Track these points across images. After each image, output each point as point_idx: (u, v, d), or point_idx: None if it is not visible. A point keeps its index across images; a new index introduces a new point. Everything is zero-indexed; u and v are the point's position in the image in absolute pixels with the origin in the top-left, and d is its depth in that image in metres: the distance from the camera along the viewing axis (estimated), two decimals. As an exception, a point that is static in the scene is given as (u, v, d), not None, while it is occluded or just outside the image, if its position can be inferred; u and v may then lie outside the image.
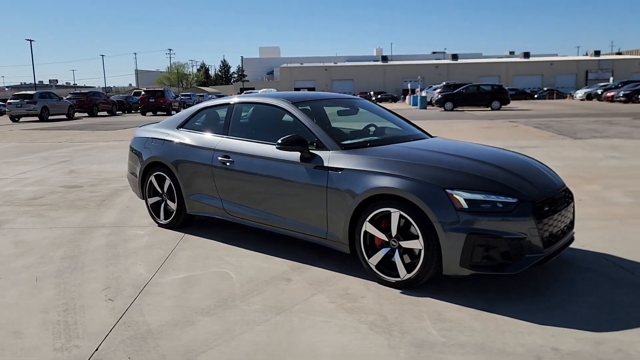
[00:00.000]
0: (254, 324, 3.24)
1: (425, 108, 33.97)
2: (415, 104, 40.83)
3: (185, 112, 5.56)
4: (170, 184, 5.33)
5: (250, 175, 4.60)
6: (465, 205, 3.47)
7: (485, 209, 3.48)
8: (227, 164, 4.75)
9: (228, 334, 3.10)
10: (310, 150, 4.22)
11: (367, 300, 3.58)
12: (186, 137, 5.25)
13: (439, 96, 30.95)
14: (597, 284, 3.78)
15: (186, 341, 3.02)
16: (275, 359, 2.83)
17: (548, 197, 3.73)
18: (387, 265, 3.82)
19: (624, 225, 5.29)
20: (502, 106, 30.70)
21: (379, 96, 70.25)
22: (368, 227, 3.85)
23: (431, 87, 40.37)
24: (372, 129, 5.11)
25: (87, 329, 3.20)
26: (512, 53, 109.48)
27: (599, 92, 39.90)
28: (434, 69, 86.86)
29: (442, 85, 36.21)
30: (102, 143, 15.24)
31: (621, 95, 34.46)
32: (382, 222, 3.81)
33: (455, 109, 30.86)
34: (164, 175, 5.38)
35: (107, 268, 4.31)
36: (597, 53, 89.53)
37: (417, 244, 3.61)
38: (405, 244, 3.69)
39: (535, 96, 56.93)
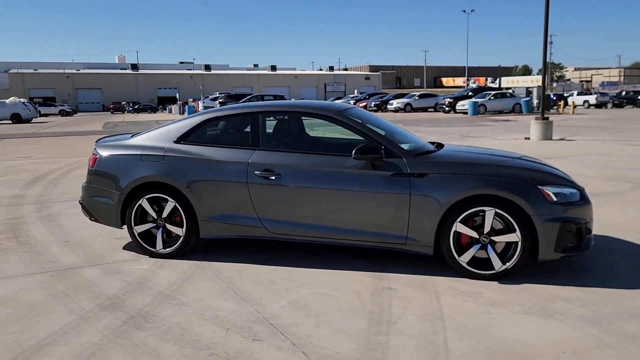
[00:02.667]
0: (441, 332, 3.26)
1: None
2: (190, 114, 40.20)
3: (182, 124, 4.87)
4: (175, 206, 4.65)
5: (307, 189, 4.38)
6: (554, 198, 4.05)
7: (565, 200, 4.11)
8: (273, 177, 4.42)
9: (435, 348, 3.08)
10: (383, 159, 4.28)
11: (489, 294, 3.88)
12: (198, 152, 4.65)
13: (226, 106, 31.28)
14: (620, 255, 4.73)
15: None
16: (512, 357, 2.95)
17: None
18: (475, 260, 4.16)
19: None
20: (285, 115, 32.59)
21: (136, 107, 66.93)
22: (459, 227, 4.13)
23: (207, 97, 40.34)
24: None
25: (294, 373, 2.78)
26: (256, 66, 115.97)
27: (352, 103, 45.41)
28: (189, 79, 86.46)
29: (222, 95, 36.57)
30: None
31: (372, 105, 39.97)
32: (469, 221, 4.14)
33: (241, 118, 31.54)
34: (165, 197, 4.66)
35: (182, 309, 3.64)
36: (332, 68, 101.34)
37: (514, 237, 4.05)
38: (500, 238, 4.08)
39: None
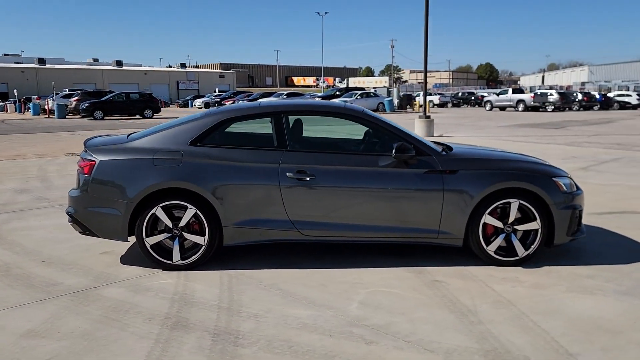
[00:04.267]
0: (524, 316, 3.52)
1: (65, 117, 30.75)
2: (36, 113, 36.17)
3: (195, 125, 4.50)
4: (195, 213, 4.32)
5: (343, 189, 4.37)
6: (565, 188, 4.56)
7: (569, 189, 4.64)
8: (308, 179, 4.33)
9: (535, 331, 3.33)
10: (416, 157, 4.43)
11: (526, 278, 4.24)
12: (221, 154, 4.37)
13: (86, 104, 28.60)
14: (599, 237, 5.43)
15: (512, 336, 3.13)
16: (600, 331, 3.32)
17: None
18: (500, 249, 4.51)
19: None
20: (155, 114, 30.90)
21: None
22: (487, 219, 4.45)
23: (58, 94, 36.44)
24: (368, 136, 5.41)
25: (441, 369, 2.83)
26: (96, 60, 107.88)
27: (217, 101, 44.49)
28: (20, 74, 77.43)
29: (79, 92, 33.39)
30: None
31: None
32: (494, 213, 4.48)
33: (105, 117, 29.17)
34: (184, 204, 4.31)
35: (262, 321, 3.44)
36: (183, 65, 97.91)
37: (534, 225, 4.47)
38: (522, 227, 4.48)
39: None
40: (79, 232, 4.52)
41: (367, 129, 5.13)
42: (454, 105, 51.21)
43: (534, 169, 4.59)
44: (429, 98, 52.61)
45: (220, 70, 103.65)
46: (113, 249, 4.93)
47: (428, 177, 4.41)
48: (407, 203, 4.41)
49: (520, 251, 4.49)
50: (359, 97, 34.71)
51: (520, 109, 37.67)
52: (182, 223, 4.34)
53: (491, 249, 4.48)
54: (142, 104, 30.42)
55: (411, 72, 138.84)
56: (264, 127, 4.86)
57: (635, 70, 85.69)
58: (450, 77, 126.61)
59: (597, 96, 42.32)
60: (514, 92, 40.28)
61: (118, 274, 4.33)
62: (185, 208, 4.32)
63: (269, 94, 39.70)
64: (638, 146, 14.04)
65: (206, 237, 4.36)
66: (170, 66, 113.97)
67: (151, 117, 30.35)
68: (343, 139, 5.31)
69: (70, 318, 3.48)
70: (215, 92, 56.44)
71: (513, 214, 4.45)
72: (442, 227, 4.45)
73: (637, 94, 47.19)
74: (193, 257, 4.38)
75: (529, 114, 34.12)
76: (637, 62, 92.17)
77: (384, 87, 79.08)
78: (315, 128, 5.73)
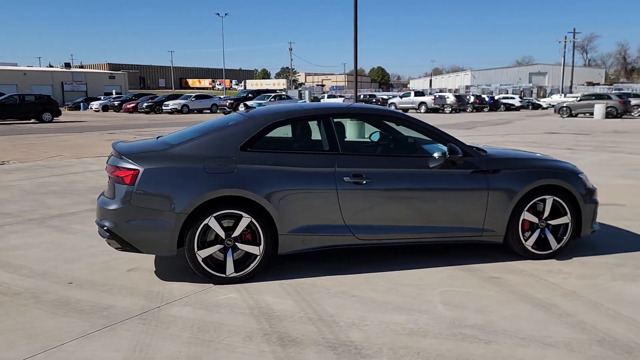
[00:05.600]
0: (600, 306, 3.74)
1: (-54, 122, 27.32)
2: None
3: (242, 129, 4.25)
4: (250, 222, 4.09)
5: (398, 192, 4.36)
6: (589, 185, 4.91)
7: (589, 185, 5.00)
8: (364, 182, 4.26)
9: (621, 319, 3.56)
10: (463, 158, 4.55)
11: (569, 270, 4.51)
12: (274, 159, 4.17)
13: (-26, 107, 25.66)
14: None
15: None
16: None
17: None
18: (535, 242, 4.75)
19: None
20: (54, 118, 28.40)
21: None
22: (526, 215, 4.67)
23: None
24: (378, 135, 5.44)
25: (576, 362, 2.94)
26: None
27: (116, 104, 42.07)
28: None
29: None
30: None
31: (144, 106, 37.78)
32: (530, 209, 4.72)
33: (-4, 122, 26.39)
34: (239, 212, 4.06)
35: (364, 329, 3.35)
36: (68, 65, 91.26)
37: (565, 219, 4.77)
38: (554, 221, 4.76)
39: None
40: (117, 248, 4.09)
41: (379, 130, 5.22)
42: (356, 107, 52.76)
43: (563, 166, 4.89)
44: (331, 100, 53.86)
45: (110, 71, 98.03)
46: (139, 265, 4.52)
47: (474, 177, 4.53)
48: (456, 203, 4.50)
49: (554, 244, 4.76)
50: (272, 100, 34.61)
51: (422, 110, 39.71)
52: (236, 233, 4.09)
53: (529, 243, 4.70)
54: (40, 106, 27.80)
55: (307, 74, 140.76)
56: (296, 130, 4.72)
57: (511, 75, 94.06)
58: (346, 79, 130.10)
59: (487, 99, 45.90)
60: (416, 94, 42.45)
61: (170, 291, 3.97)
62: (238, 217, 4.07)
63: (176, 96, 38.32)
64: (554, 144, 15.41)
65: (262, 246, 4.14)
66: (51, 66, 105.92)
67: (50, 121, 27.87)
68: (375, 142, 5.29)
69: (159, 343, 3.13)
70: (112, 93, 53.29)
71: (547, 209, 4.71)
72: (486, 224, 4.60)
73: (519, 97, 51.95)
74: (248, 268, 4.14)
75: (431, 115, 36.09)
76: (512, 67, 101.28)
77: (283, 89, 79.19)
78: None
